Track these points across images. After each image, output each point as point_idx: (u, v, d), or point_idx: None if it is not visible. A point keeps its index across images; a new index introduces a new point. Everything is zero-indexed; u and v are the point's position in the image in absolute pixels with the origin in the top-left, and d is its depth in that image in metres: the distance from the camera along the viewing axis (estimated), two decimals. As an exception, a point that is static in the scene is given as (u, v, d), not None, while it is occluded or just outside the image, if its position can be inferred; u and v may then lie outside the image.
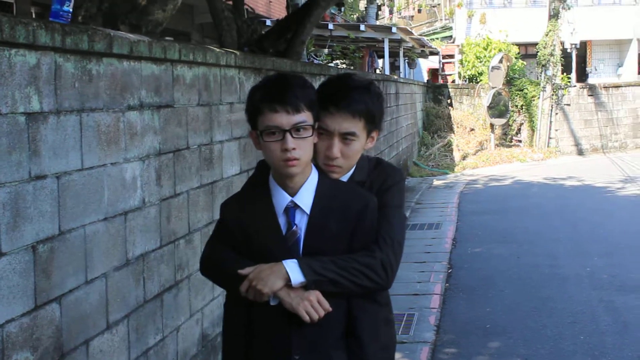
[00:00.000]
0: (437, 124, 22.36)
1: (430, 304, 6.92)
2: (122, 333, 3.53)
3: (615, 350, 5.89)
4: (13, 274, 2.65)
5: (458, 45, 26.56)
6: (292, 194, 2.31)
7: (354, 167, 2.57)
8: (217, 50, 4.77)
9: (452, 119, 22.69)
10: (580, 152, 22.65)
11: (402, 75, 21.37)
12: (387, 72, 18.96)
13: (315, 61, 14.04)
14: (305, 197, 2.31)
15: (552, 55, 21.86)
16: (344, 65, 12.34)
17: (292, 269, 2.31)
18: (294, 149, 2.20)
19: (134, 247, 3.63)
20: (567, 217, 11.94)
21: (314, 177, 2.35)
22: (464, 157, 20.72)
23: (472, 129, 22.44)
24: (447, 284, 7.83)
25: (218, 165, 4.76)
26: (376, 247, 2.41)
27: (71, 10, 3.14)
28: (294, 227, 2.30)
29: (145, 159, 3.73)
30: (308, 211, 2.30)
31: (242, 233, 2.38)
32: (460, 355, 5.79)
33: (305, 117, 2.23)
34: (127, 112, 3.54)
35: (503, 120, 22.03)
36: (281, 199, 2.31)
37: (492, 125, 21.77)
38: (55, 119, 2.90)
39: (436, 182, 16.60)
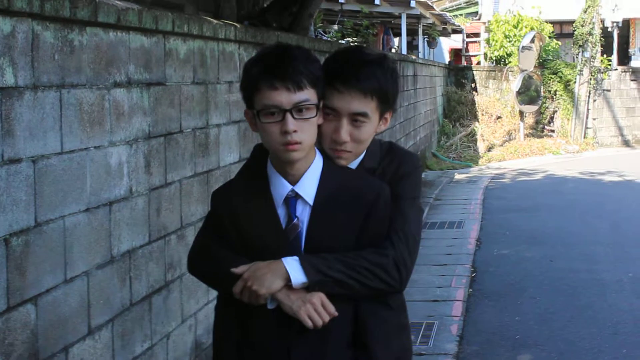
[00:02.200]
0: (459, 110, 22.31)
1: (451, 312, 6.88)
2: (106, 339, 3.52)
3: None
4: (-18, 270, 2.63)
5: (484, 23, 26.47)
6: (293, 182, 2.25)
7: (363, 153, 2.51)
8: (215, 22, 4.75)
9: (477, 105, 22.64)
10: (622, 144, 22.61)
11: (420, 55, 21.29)
12: (404, 51, 18.91)
13: (324, 38, 13.99)
14: (308, 186, 2.25)
15: (590, 34, 21.78)
16: (356, 44, 12.28)
17: (293, 267, 2.25)
18: (295, 131, 2.14)
19: (120, 242, 3.62)
20: (607, 217, 11.90)
21: (318, 164, 2.30)
22: (489, 149, 20.68)
23: (499, 117, 22.38)
24: (470, 290, 7.80)
25: (214, 151, 4.74)
26: (388, 243, 2.35)
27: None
28: (295, 220, 2.25)
29: (133, 142, 3.72)
30: (311, 202, 2.25)
31: (236, 227, 2.32)
32: (486, 370, 5.77)
33: (308, 95, 2.17)
34: (113, 89, 3.52)
35: (534, 108, 21.98)
36: (281, 187, 2.26)
37: (521, 113, 21.72)
38: (31, 95, 2.89)
39: (458, 176, 16.56)
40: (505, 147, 20.83)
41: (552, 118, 22.85)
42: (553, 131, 22.66)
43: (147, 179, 3.87)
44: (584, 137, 22.05)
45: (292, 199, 2.25)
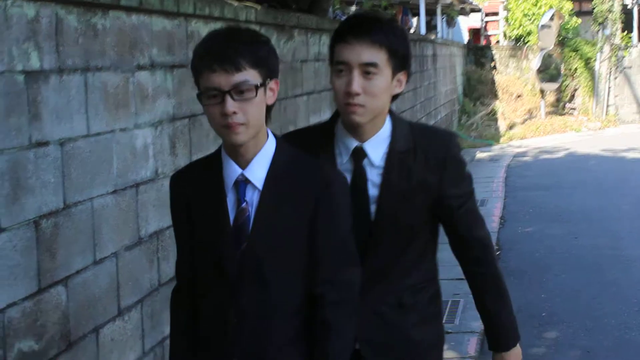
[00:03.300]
0: (479, 89, 22.23)
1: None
2: (136, 320, 3.54)
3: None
4: (14, 252, 2.65)
5: (503, 1, 26.30)
6: (244, 166, 2.18)
7: (389, 136, 2.47)
8: (236, 4, 4.74)
9: (497, 84, 22.55)
10: (643, 121, 22.43)
11: (439, 35, 21.16)
12: (423, 32, 18.81)
13: (342, 19, 13.95)
14: (257, 170, 2.17)
15: (610, 11, 21.67)
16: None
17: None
18: (234, 112, 2.07)
19: (147, 223, 3.63)
20: (630, 193, 11.83)
21: (269, 147, 2.21)
22: (510, 127, 20.59)
23: (520, 95, 22.30)
24: (495, 268, 7.78)
25: (238, 133, 4.73)
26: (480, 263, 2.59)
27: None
28: (244, 204, 2.17)
29: (157, 124, 3.72)
30: (260, 186, 2.17)
31: (187, 212, 2.26)
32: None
33: (247, 76, 2.08)
34: (137, 72, 3.52)
35: (555, 85, 21.86)
36: (231, 171, 2.19)
37: (542, 91, 21.62)
38: (57, 79, 2.89)
39: (479, 155, 16.50)
40: (526, 125, 20.75)
41: (573, 96, 22.71)
42: (574, 109, 22.51)
43: (172, 161, 3.87)
44: (606, 115, 21.92)
45: (242, 183, 2.18)
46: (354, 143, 2.45)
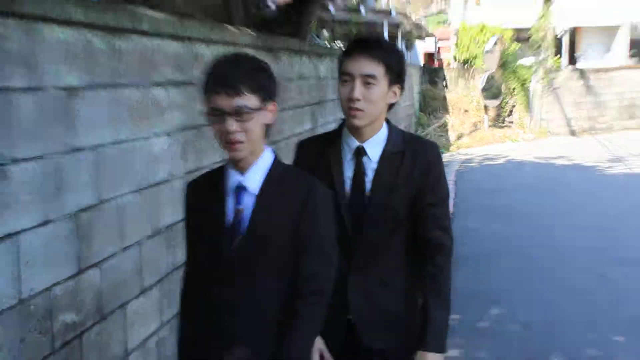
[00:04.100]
0: (433, 105, 22.35)
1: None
2: (155, 297, 3.59)
3: (609, 316, 5.99)
4: (58, 240, 2.70)
5: (453, 29, 26.45)
6: (242, 173, 2.19)
7: (385, 139, 2.58)
8: (234, 30, 4.80)
9: (448, 100, 22.68)
10: (570, 133, 22.62)
11: (399, 58, 21.21)
12: (386, 55, 18.82)
13: (318, 42, 14.00)
14: (253, 179, 2.18)
15: (544, 39, 21.83)
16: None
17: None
18: (235, 131, 2.08)
19: (164, 217, 3.67)
20: (560, 194, 12.01)
21: (266, 160, 2.21)
22: (459, 137, 20.74)
23: (467, 110, 22.44)
24: (448, 257, 7.86)
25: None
26: (439, 257, 2.55)
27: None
28: (240, 207, 2.18)
29: (171, 134, 3.76)
30: (255, 192, 2.18)
31: (196, 212, 2.28)
32: (464, 321, 5.81)
33: (247, 100, 2.07)
34: (154, 88, 3.56)
35: (496, 102, 22.03)
36: (232, 179, 2.20)
37: (485, 107, 21.78)
38: (89, 94, 2.92)
39: (433, 161, 16.54)
40: (472, 136, 20.90)
41: (511, 111, 22.88)
42: (512, 122, 22.69)
43: (183, 164, 3.92)
44: (539, 128, 22.11)
45: (240, 189, 2.19)
46: (356, 143, 2.57)
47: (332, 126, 8.20)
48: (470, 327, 5.72)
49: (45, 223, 2.62)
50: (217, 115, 2.09)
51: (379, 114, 2.55)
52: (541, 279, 7.13)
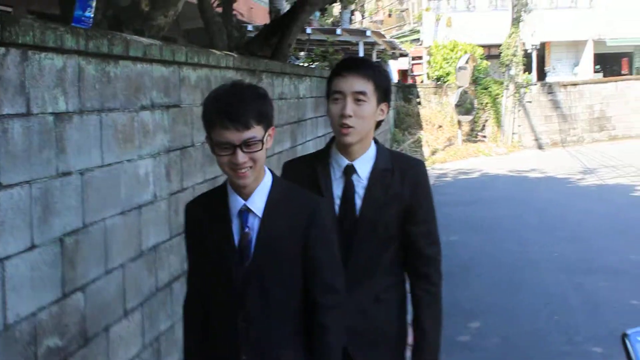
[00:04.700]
0: (407, 121, 22.46)
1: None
2: (138, 320, 3.54)
3: (587, 328, 6.02)
4: (44, 264, 2.65)
5: (426, 48, 26.67)
6: (246, 198, 2.22)
7: (374, 152, 2.59)
8: (218, 53, 4.78)
9: (422, 116, 22.82)
10: (541, 146, 22.89)
11: (374, 75, 21.32)
12: (361, 73, 18.89)
13: (296, 62, 14.05)
14: (257, 201, 2.21)
15: (514, 55, 22.11)
16: (327, 67, 12.41)
17: None
18: (244, 162, 2.12)
19: (147, 239, 3.63)
20: (534, 206, 12.11)
21: (267, 182, 2.25)
22: (433, 152, 20.85)
23: (441, 126, 22.59)
24: (426, 270, 7.87)
25: (219, 161, 4.76)
26: (430, 273, 2.59)
27: (92, 16, 3.13)
28: (246, 229, 2.21)
29: (156, 156, 3.73)
30: (260, 214, 2.22)
31: (199, 235, 2.29)
32: (444, 335, 5.80)
33: (254, 132, 2.11)
34: (141, 111, 3.53)
35: (469, 117, 22.22)
36: (235, 203, 2.23)
37: (459, 122, 21.94)
38: (79, 119, 2.90)
39: (409, 176, 16.60)
40: (446, 151, 21.03)
41: (484, 126, 23.08)
42: (485, 137, 22.89)
43: (167, 186, 3.88)
44: (511, 142, 22.33)
45: (245, 212, 2.22)
46: (345, 162, 2.57)
47: (311, 144, 8.22)
48: (451, 342, 5.70)
49: (32, 248, 2.57)
50: (225, 147, 2.11)
51: (369, 131, 2.56)
52: (519, 291, 7.17)
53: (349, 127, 2.49)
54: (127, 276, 3.41)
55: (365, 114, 2.51)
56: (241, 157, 2.10)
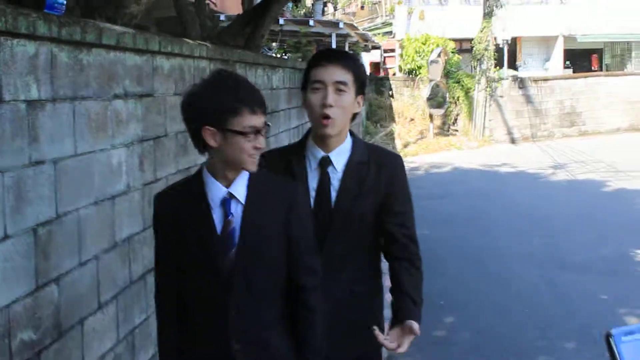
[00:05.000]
0: (379, 114, 22.54)
1: (384, 283, 6.97)
2: (112, 313, 3.51)
3: (559, 322, 6.12)
4: (17, 255, 2.61)
5: (398, 40, 26.75)
6: (227, 186, 2.23)
7: (350, 145, 2.59)
8: (192, 42, 4.75)
9: (394, 109, 22.91)
10: (512, 141, 23.10)
11: (346, 68, 21.33)
12: (334, 65, 18.89)
13: (268, 53, 14.01)
14: (240, 188, 2.24)
15: (486, 50, 22.25)
16: (300, 59, 12.39)
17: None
18: (262, 146, 2.20)
19: (121, 230, 3.60)
20: (505, 201, 12.23)
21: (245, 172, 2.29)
22: (405, 145, 20.95)
23: (413, 119, 22.69)
24: (399, 264, 7.91)
25: (193, 151, 4.66)
26: (413, 256, 2.63)
27: (65, 2, 3.08)
28: (230, 217, 2.22)
29: (129, 145, 3.70)
30: (243, 201, 2.23)
31: (176, 229, 2.26)
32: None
33: (265, 118, 2.21)
34: (114, 100, 3.50)
35: (441, 111, 22.34)
36: (217, 190, 2.23)
37: (431, 116, 22.07)
38: (51, 107, 2.86)
39: (381, 169, 16.64)
40: (418, 144, 21.15)
41: (456, 119, 23.24)
42: (457, 130, 23.05)
43: (141, 176, 3.85)
44: (482, 135, 22.50)
45: (228, 199, 2.23)
46: (321, 153, 2.58)
47: (284, 136, 8.21)
48: (426, 336, 5.73)
49: (5, 238, 2.54)
50: (248, 134, 2.15)
51: (346, 122, 2.57)
52: (490, 286, 7.25)
53: (330, 117, 2.49)
54: (101, 268, 3.38)
55: (346, 104, 2.52)
56: (262, 143, 2.17)
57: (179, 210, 2.26)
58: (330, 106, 2.48)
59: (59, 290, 2.94)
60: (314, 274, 2.33)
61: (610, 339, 0.97)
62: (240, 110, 2.14)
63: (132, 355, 3.77)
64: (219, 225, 2.22)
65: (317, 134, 2.59)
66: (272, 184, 2.31)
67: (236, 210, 2.23)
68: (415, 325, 2.43)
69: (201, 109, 2.20)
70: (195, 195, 2.25)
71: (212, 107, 2.17)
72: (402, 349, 2.43)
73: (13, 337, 2.59)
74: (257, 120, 2.15)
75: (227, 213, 2.22)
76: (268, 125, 2.21)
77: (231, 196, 2.23)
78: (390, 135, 21.38)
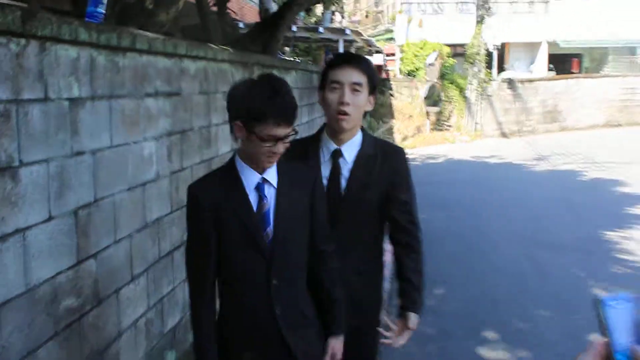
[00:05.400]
0: (381, 111, 22.38)
1: (383, 261, 7.01)
2: (143, 284, 3.56)
3: (537, 293, 6.15)
4: (60, 234, 2.66)
5: (399, 45, 26.62)
6: (261, 173, 2.25)
7: (360, 139, 2.60)
8: (215, 47, 4.78)
9: (394, 107, 22.79)
10: (500, 136, 23.00)
11: (353, 70, 21.25)
12: (341, 67, 18.82)
13: (282, 57, 14.01)
14: (271, 174, 2.26)
15: (478, 54, 22.16)
16: (310, 61, 12.41)
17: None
18: (281, 153, 2.20)
19: (151, 212, 3.65)
20: (494, 188, 12.21)
21: None
22: (404, 139, 20.87)
23: (411, 116, 22.56)
24: (397, 244, 7.94)
25: (215, 144, 4.78)
26: (412, 241, 2.63)
27: (104, 11, 3.11)
28: (265, 200, 2.24)
29: (159, 138, 3.74)
30: (275, 184, 2.26)
31: (216, 216, 2.22)
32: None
33: (291, 128, 2.18)
34: (146, 98, 3.53)
35: (437, 109, 22.26)
36: (251, 176, 2.24)
37: (427, 113, 21.98)
38: (91, 104, 2.90)
39: (383, 160, 16.62)
40: (415, 138, 21.08)
41: (449, 116, 23.10)
42: (450, 126, 22.93)
43: (169, 165, 3.90)
44: (474, 131, 22.42)
45: (261, 184, 2.25)
46: (333, 146, 2.59)
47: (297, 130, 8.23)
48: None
49: (49, 219, 2.59)
50: (269, 140, 2.14)
51: (360, 119, 2.58)
52: (477, 262, 7.26)
53: (346, 114, 2.51)
54: (134, 245, 3.43)
55: (360, 103, 2.53)
56: (281, 149, 2.17)
57: (217, 196, 2.24)
58: (347, 104, 2.49)
59: (97, 264, 2.99)
60: (331, 241, 2.40)
61: (599, 305, 1.00)
62: (265, 120, 2.11)
63: (161, 320, 3.83)
64: (255, 208, 2.24)
65: (333, 128, 2.59)
66: (296, 170, 2.35)
67: (269, 193, 2.25)
68: (414, 321, 2.56)
69: (236, 104, 2.20)
70: (231, 181, 2.26)
71: (244, 108, 2.15)
72: (402, 342, 2.55)
73: (58, 304, 2.65)
74: (279, 131, 2.12)
75: (261, 196, 2.24)
76: (295, 132, 2.19)
77: (264, 181, 2.25)
78: (391, 130, 21.28)
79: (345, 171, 2.58)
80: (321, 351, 2.38)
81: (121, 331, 3.30)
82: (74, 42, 2.70)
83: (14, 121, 2.33)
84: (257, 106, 2.11)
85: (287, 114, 2.13)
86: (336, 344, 2.40)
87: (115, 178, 3.18)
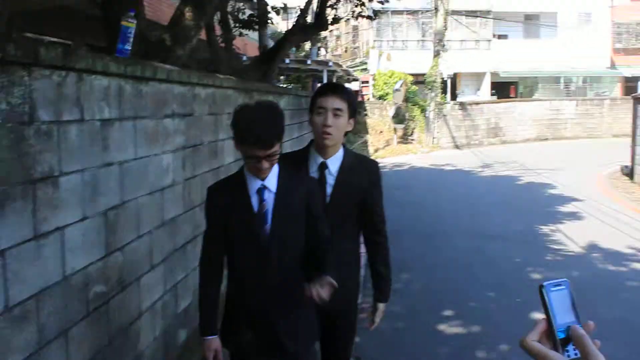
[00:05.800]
0: (357, 128, 22.38)
1: (361, 251, 6.97)
2: (160, 272, 3.52)
3: (484, 277, 6.14)
4: (92, 231, 2.62)
5: (372, 75, 26.70)
6: (262, 180, 2.22)
7: (342, 154, 2.58)
8: (222, 77, 4.74)
9: (368, 124, 22.82)
10: (454, 147, 23.07)
11: (334, 94, 21.26)
12: (325, 92, 18.83)
13: (277, 84, 13.97)
14: (271, 181, 2.23)
15: (435, 82, 22.21)
16: (300, 88, 12.37)
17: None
18: (267, 168, 2.14)
19: (168, 213, 3.61)
20: (448, 190, 12.24)
21: (276, 168, 2.26)
22: (376, 150, 20.88)
23: (381, 131, 22.58)
24: (370, 236, 7.92)
25: (221, 156, 4.74)
26: (381, 238, 2.65)
27: (130, 48, 3.07)
28: (264, 202, 2.22)
29: (175, 151, 3.70)
30: (274, 190, 2.23)
31: (225, 212, 2.22)
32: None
33: (275, 148, 2.09)
34: (164, 119, 3.50)
35: (402, 126, 22.28)
36: (254, 183, 2.21)
37: (395, 129, 22.00)
38: (119, 124, 2.86)
39: (358, 168, 16.60)
40: (385, 150, 21.08)
41: (412, 132, 23.17)
42: (413, 140, 22.97)
43: (182, 174, 3.86)
44: (432, 144, 22.49)
45: (263, 190, 2.22)
46: (320, 159, 2.56)
47: (288, 144, 8.17)
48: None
49: (84, 219, 2.54)
50: (253, 158, 2.10)
51: (340, 138, 2.56)
52: (434, 252, 7.25)
53: (329, 134, 2.49)
54: (153, 240, 3.38)
55: (341, 125, 2.50)
56: (265, 165, 2.12)
57: (226, 198, 2.23)
58: (330, 126, 2.47)
59: (122, 256, 2.94)
60: (327, 229, 2.33)
61: (542, 290, 0.97)
62: (244, 141, 2.08)
63: (175, 302, 3.78)
64: (256, 209, 2.21)
65: (319, 145, 2.57)
66: (293, 178, 2.31)
67: (269, 196, 2.21)
68: (382, 307, 2.66)
69: (232, 125, 2.16)
70: (239, 186, 2.24)
71: (235, 129, 2.13)
72: (375, 325, 2.65)
73: (89, 290, 2.60)
74: (258, 152, 2.07)
75: (261, 199, 2.21)
76: (275, 155, 2.11)
77: (264, 187, 2.22)
78: (365, 143, 21.30)
79: (330, 180, 2.56)
80: (311, 335, 2.34)
81: (141, 312, 3.25)
82: (106, 73, 2.66)
83: (55, 138, 2.29)
84: (239, 131, 2.10)
85: (261, 140, 2.06)
86: (326, 278, 2.23)
87: (139, 184, 3.14)
